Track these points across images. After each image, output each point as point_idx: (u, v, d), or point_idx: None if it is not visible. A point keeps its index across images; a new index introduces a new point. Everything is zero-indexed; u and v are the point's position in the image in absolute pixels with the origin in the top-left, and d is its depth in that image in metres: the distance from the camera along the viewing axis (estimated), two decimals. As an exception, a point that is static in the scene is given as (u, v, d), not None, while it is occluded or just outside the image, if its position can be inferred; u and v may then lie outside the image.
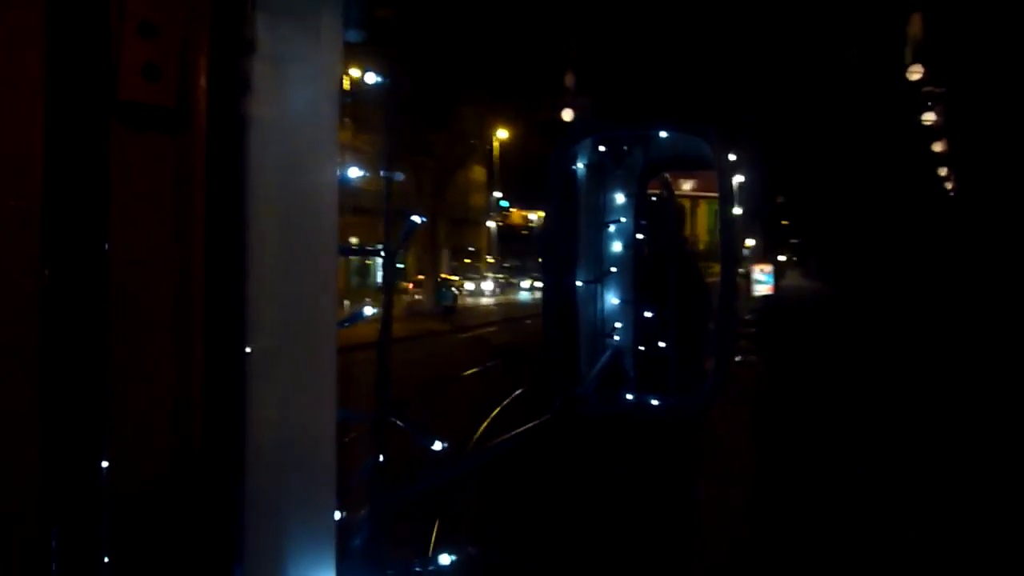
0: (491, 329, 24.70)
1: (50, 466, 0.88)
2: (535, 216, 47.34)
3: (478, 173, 46.18)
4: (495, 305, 37.63)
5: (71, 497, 0.89)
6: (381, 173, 1.32)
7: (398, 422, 1.45)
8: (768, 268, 28.03)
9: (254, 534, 0.99)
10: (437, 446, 1.49)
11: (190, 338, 0.94)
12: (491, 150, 42.40)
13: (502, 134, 39.77)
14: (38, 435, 0.87)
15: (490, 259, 48.76)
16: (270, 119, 1.01)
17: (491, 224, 49.84)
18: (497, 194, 48.07)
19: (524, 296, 41.15)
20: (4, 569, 0.87)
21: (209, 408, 0.94)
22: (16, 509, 0.87)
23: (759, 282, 26.74)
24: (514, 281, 45.76)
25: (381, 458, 1.38)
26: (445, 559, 1.38)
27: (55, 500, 0.87)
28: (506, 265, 49.51)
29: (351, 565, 1.23)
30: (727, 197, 2.53)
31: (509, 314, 29.44)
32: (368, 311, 1.50)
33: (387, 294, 1.46)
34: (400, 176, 1.37)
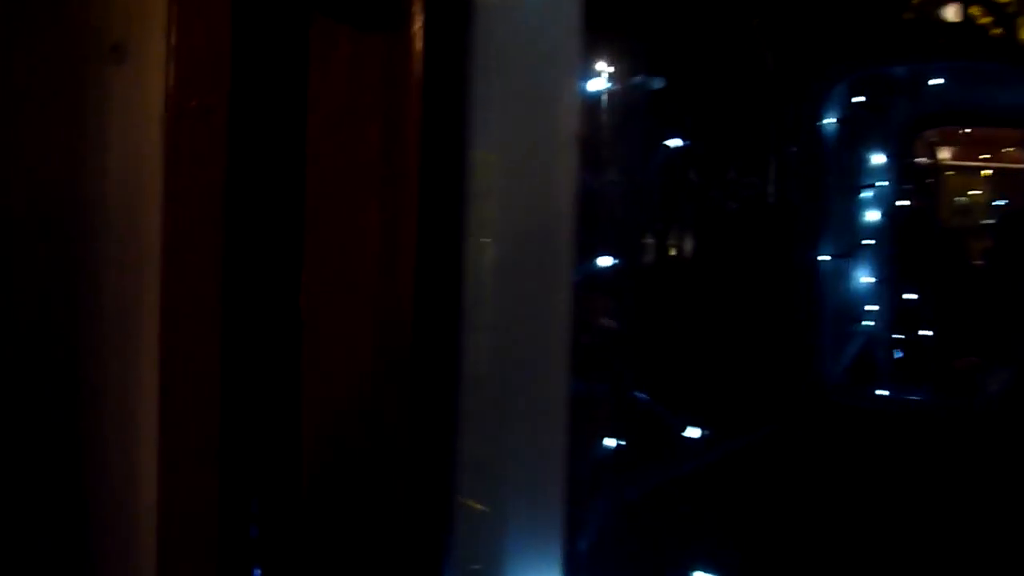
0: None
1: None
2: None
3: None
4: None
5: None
6: (635, 79, 1.08)
7: (642, 398, 1.22)
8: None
9: (468, 533, 0.81)
10: (690, 431, 1.24)
11: (396, 288, 0.77)
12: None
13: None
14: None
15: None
16: (498, 8, 0.81)
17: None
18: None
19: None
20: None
21: (417, 365, 0.77)
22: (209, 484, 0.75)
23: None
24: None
25: (619, 443, 1.15)
26: (700, 579, 1.14)
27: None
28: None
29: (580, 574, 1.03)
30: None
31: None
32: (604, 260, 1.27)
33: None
34: (662, 82, 1.13)
